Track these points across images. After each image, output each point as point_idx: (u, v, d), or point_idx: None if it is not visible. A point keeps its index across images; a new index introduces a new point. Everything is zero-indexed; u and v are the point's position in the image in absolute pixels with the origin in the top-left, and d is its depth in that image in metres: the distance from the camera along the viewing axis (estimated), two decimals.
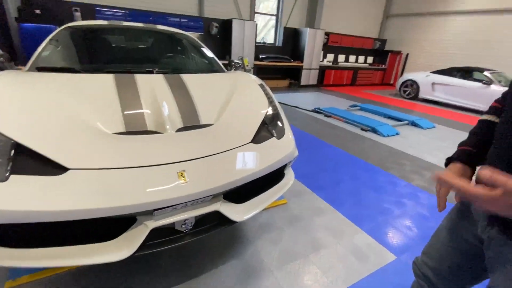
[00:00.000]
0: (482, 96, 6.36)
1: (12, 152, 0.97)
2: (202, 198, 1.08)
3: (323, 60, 9.81)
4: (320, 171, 2.81)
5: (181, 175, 1.05)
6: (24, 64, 1.88)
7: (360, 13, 10.54)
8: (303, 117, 5.03)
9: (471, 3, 8.41)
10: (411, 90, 7.94)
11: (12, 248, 0.91)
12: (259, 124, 1.47)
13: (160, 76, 1.64)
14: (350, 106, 6.15)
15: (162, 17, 6.45)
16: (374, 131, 4.28)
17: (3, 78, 1.32)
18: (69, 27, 2.17)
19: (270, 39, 9.14)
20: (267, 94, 1.75)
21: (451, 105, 7.18)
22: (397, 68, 10.91)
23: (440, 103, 7.47)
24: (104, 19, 5.82)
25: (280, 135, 1.52)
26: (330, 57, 10.12)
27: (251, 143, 1.35)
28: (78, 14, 5.57)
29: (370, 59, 11.31)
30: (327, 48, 9.78)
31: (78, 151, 1.02)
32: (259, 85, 1.86)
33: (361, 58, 11.04)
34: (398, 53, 10.70)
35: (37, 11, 5.04)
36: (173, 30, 2.66)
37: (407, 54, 10.56)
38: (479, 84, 6.42)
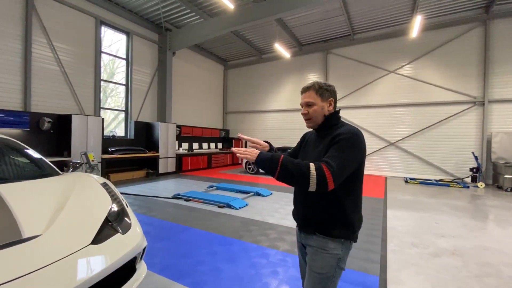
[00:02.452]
0: None
1: None
2: None
3: (178, 149, 10.58)
4: (181, 258, 2.84)
5: None
6: None
7: (205, 110, 12.85)
8: (163, 206, 5.00)
9: (277, 104, 12.46)
10: (253, 166, 9.92)
11: None
12: (100, 224, 1.49)
13: None
14: (208, 187, 6.78)
15: None
16: (229, 206, 4.90)
17: None
18: None
19: (121, 132, 9.01)
20: (110, 192, 1.82)
21: None
22: (241, 146, 13.40)
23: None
24: None
25: (126, 229, 1.59)
26: (185, 145, 11.13)
27: (90, 245, 1.34)
28: None
29: (220, 145, 13.36)
30: (181, 138, 10.81)
31: None
32: (102, 184, 1.90)
33: (213, 145, 12.85)
34: (239, 139, 13.42)
35: None
36: None
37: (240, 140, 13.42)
38: None
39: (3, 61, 5.99)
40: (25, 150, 2.33)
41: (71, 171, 2.54)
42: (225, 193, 6.25)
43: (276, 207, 5.09)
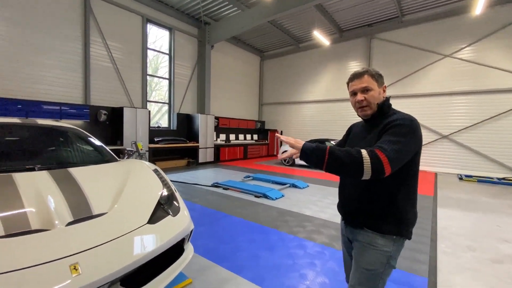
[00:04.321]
0: None
1: None
2: None
3: (216, 140, 10.98)
4: (222, 243, 2.99)
5: (74, 268, 1.06)
6: None
7: (241, 102, 13.04)
8: (203, 193, 5.27)
9: (315, 95, 12.10)
10: (289, 158, 9.86)
11: None
12: (154, 206, 1.64)
13: (44, 173, 1.61)
14: (244, 177, 6.94)
15: (34, 105, 5.89)
16: (265, 196, 4.98)
17: None
18: None
19: (164, 123, 9.64)
20: (161, 178, 1.98)
21: None
22: (276, 142, 13.42)
23: (310, 167, 9.51)
24: None
25: (176, 212, 1.72)
26: (223, 136, 11.50)
27: (147, 224, 1.48)
28: None
29: (255, 136, 13.51)
30: (218, 129, 11.18)
31: None
32: (153, 170, 2.07)
33: (249, 136, 13.05)
34: (275, 130, 13.40)
35: None
36: (57, 124, 2.62)
37: (281, 131, 13.36)
38: None
39: (68, 61, 6.78)
40: (89, 139, 2.64)
41: (126, 158, 2.81)
42: (261, 183, 6.34)
43: (313, 199, 5.02)
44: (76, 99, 6.97)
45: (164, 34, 9.43)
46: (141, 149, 6.73)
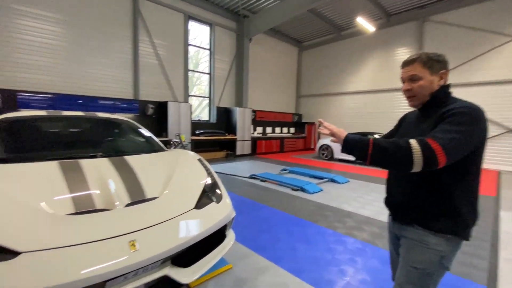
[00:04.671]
0: None
1: None
2: (152, 264, 1.20)
3: (253, 132, 11.11)
4: (261, 232, 3.05)
5: (132, 245, 1.19)
6: None
7: (278, 94, 12.93)
8: (241, 184, 5.41)
9: (357, 86, 11.45)
10: (327, 152, 9.56)
11: None
12: (200, 192, 1.74)
13: (105, 159, 1.82)
14: (281, 170, 6.94)
15: (91, 101, 6.61)
16: (303, 190, 4.92)
17: None
18: (4, 119, 2.20)
19: (205, 117, 10.06)
20: (205, 167, 2.08)
21: (358, 162, 8.82)
22: (314, 135, 13.08)
23: (351, 161, 9.10)
24: (25, 105, 5.65)
25: (219, 200, 1.81)
26: (260, 129, 11.59)
27: (194, 209, 1.59)
28: None
29: (292, 129, 13.34)
30: (255, 122, 11.29)
31: (30, 235, 1.08)
32: (198, 160, 2.19)
33: (285, 129, 12.94)
34: (312, 123, 13.06)
35: None
36: (113, 116, 2.91)
37: (319, 124, 12.94)
38: None
39: (120, 59, 7.43)
40: (141, 130, 2.88)
41: (173, 148, 3.01)
42: (298, 177, 6.27)
43: (353, 195, 4.81)
44: (127, 94, 7.63)
45: (204, 29, 9.73)
46: (184, 141, 7.13)
